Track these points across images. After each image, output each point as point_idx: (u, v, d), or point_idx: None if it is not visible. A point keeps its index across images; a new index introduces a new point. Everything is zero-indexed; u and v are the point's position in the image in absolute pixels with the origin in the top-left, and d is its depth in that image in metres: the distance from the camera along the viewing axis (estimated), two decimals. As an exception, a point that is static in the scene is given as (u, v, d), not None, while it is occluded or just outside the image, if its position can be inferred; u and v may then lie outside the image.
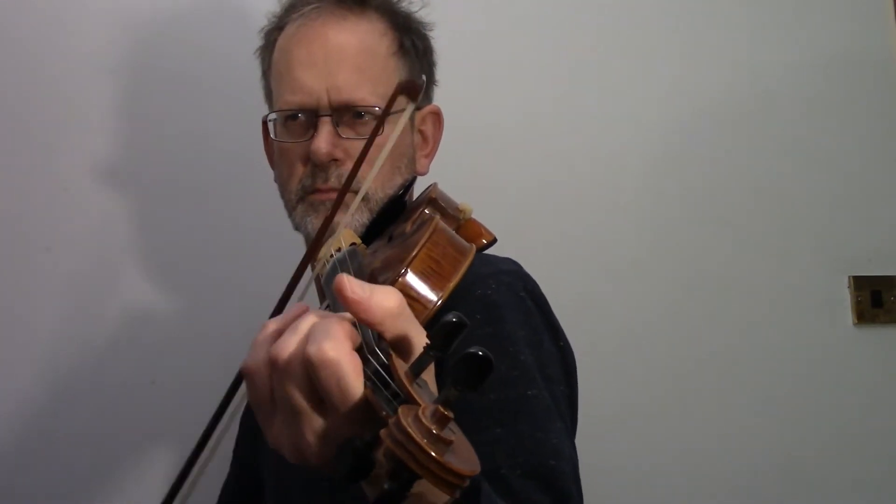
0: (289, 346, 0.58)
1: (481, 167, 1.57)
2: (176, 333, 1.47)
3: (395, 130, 0.82)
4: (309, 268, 0.78)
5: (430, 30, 1.14)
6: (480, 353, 0.47)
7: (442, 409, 0.47)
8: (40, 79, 1.46)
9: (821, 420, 1.67)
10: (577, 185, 1.64)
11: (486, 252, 0.97)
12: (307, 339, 0.57)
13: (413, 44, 1.10)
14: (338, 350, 0.55)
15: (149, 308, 1.48)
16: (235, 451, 1.23)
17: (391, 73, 1.06)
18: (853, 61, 1.78)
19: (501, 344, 0.84)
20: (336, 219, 0.85)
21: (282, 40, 1.09)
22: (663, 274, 1.67)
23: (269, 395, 0.60)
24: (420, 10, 1.13)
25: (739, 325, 1.68)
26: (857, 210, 1.75)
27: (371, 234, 0.99)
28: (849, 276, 1.73)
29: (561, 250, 1.61)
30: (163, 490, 1.40)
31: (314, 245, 0.79)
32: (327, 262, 0.81)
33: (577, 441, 0.93)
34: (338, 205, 0.79)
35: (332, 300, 0.71)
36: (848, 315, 1.73)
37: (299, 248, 1.13)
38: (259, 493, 1.13)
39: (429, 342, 0.52)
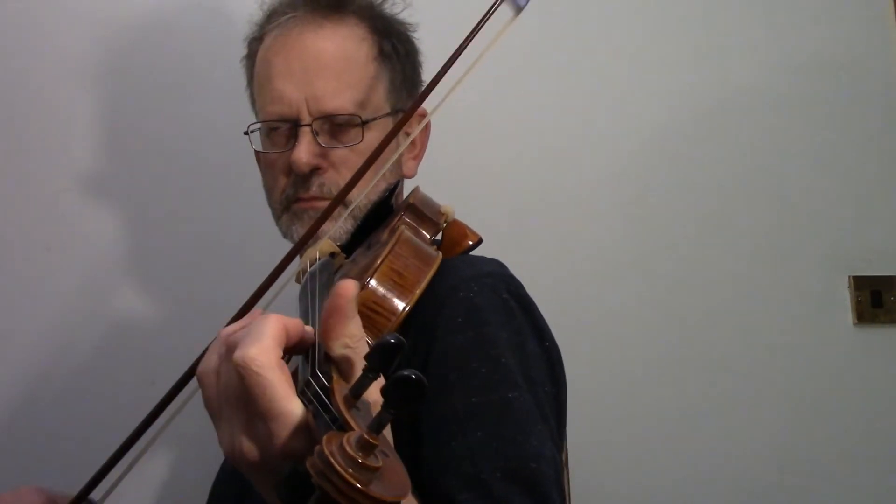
0: (224, 351, 0.59)
1: (472, 168, 1.57)
2: (176, 334, 1.47)
3: (376, 140, 0.85)
4: (294, 280, 0.79)
5: (413, 31, 1.13)
6: (413, 376, 0.46)
7: (366, 436, 0.45)
8: (41, 80, 1.47)
9: (821, 420, 1.67)
10: (573, 184, 1.65)
11: (472, 253, 0.97)
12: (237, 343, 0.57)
13: (394, 47, 1.09)
14: (262, 356, 0.55)
15: (149, 308, 1.48)
16: None
17: (371, 78, 1.05)
18: (853, 62, 1.78)
19: (483, 347, 0.83)
20: (323, 227, 0.87)
21: (261, 51, 1.09)
22: (663, 274, 1.67)
23: (213, 399, 0.61)
24: (402, 11, 1.12)
25: (739, 325, 1.68)
26: (857, 210, 1.75)
27: (357, 240, 1.00)
28: (849, 276, 1.73)
29: (558, 250, 1.62)
30: (163, 489, 1.42)
31: (288, 256, 0.80)
32: (303, 273, 0.82)
33: (576, 441, 0.93)
34: (323, 219, 0.81)
35: (304, 311, 0.72)
36: (848, 315, 1.72)
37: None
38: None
39: (366, 363, 0.51)
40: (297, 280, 0.89)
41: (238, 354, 0.56)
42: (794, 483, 1.65)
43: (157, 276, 1.49)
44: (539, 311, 0.94)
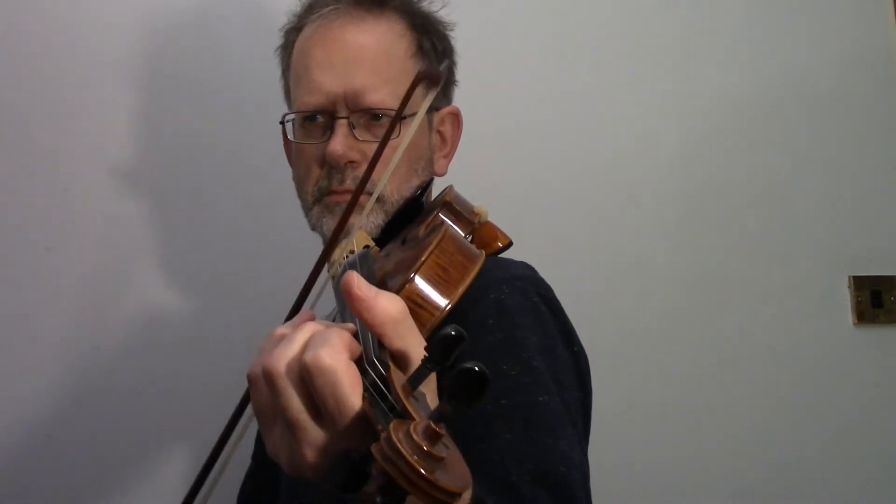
0: (288, 352, 0.58)
1: (493, 168, 1.57)
2: (176, 334, 1.47)
3: (410, 130, 0.82)
4: (326, 270, 0.78)
5: (451, 30, 1.14)
6: (476, 368, 0.46)
7: (433, 426, 0.46)
8: (41, 79, 1.46)
9: (821, 420, 1.68)
10: (582, 186, 1.64)
11: (502, 256, 0.97)
12: (306, 346, 0.57)
13: (433, 45, 1.09)
14: (334, 357, 0.55)
15: (149, 309, 1.47)
16: (256, 444, 1.23)
17: (409, 74, 1.04)
18: (853, 62, 1.78)
19: (513, 349, 0.83)
20: (351, 220, 0.85)
21: (300, 41, 1.09)
22: (664, 274, 1.67)
23: (270, 402, 0.60)
24: (441, 9, 1.13)
25: (739, 325, 1.68)
26: (857, 210, 1.75)
27: (387, 235, 0.99)
28: (849, 276, 1.73)
29: (563, 251, 1.61)
30: (165, 491, 1.42)
31: (328, 247, 0.79)
32: (340, 265, 0.81)
33: (584, 442, 0.93)
34: (351, 207, 0.79)
35: (342, 303, 0.72)
36: (848, 315, 1.73)
37: (304, 249, 1.13)
38: (275, 486, 1.13)
39: (426, 354, 0.51)
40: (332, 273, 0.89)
41: (309, 355, 0.56)
42: (793, 482, 1.65)
43: (158, 277, 1.48)
44: (567, 316, 0.94)
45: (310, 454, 0.57)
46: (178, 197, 1.49)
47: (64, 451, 1.41)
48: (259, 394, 0.61)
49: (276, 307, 1.48)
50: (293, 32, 1.12)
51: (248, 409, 0.73)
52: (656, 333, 1.64)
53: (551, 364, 0.85)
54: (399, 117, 0.84)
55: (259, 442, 1.22)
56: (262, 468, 1.19)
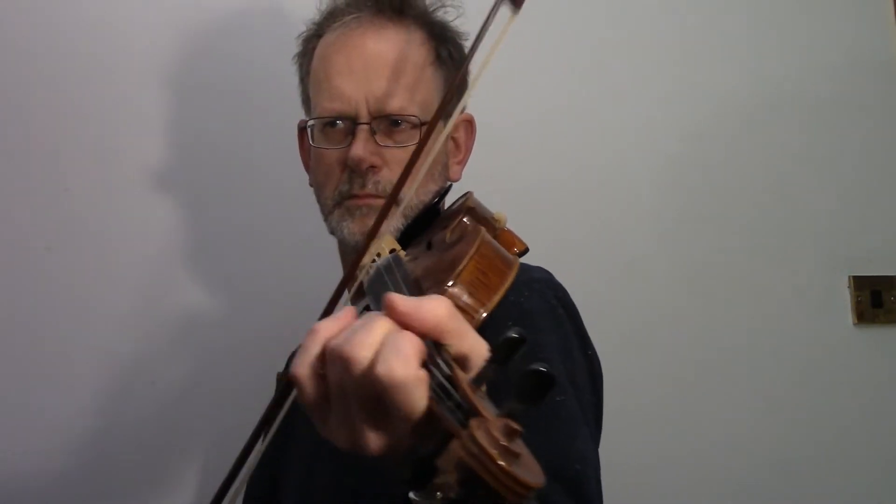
0: (367, 342, 0.57)
1: (490, 170, 1.56)
2: (176, 334, 1.47)
3: (438, 140, 0.84)
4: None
5: (465, 39, 1.15)
6: (544, 369, 0.48)
7: (511, 424, 0.48)
8: (41, 79, 1.46)
9: (821, 420, 1.68)
10: (582, 186, 1.65)
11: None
12: (378, 354, 0.56)
13: (449, 53, 1.12)
14: (407, 371, 0.55)
15: (149, 309, 1.47)
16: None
17: (428, 82, 1.08)
18: (854, 63, 1.78)
19: (532, 350, 0.84)
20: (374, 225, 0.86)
21: (321, 48, 1.11)
22: (664, 274, 1.67)
23: (340, 385, 0.59)
24: (455, 19, 1.14)
25: (739, 325, 1.68)
26: (857, 210, 1.75)
27: (405, 239, 1.01)
28: (849, 276, 1.73)
29: (562, 251, 1.61)
30: (166, 492, 1.42)
31: (359, 254, 0.80)
32: (370, 268, 0.82)
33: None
34: (383, 216, 0.80)
35: (375, 303, 0.72)
36: (848, 315, 1.73)
37: (319, 249, 1.13)
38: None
39: (491, 355, 0.53)
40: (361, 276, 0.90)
41: (382, 368, 0.55)
42: (793, 482, 1.65)
43: (158, 277, 1.49)
44: (582, 320, 0.96)
45: (374, 443, 0.58)
46: (178, 196, 1.49)
47: (62, 452, 1.41)
48: (304, 392, 0.61)
49: (281, 308, 1.48)
50: (313, 39, 1.14)
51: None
52: (655, 333, 1.65)
53: (569, 365, 0.88)
54: (438, 118, 0.85)
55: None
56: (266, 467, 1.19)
